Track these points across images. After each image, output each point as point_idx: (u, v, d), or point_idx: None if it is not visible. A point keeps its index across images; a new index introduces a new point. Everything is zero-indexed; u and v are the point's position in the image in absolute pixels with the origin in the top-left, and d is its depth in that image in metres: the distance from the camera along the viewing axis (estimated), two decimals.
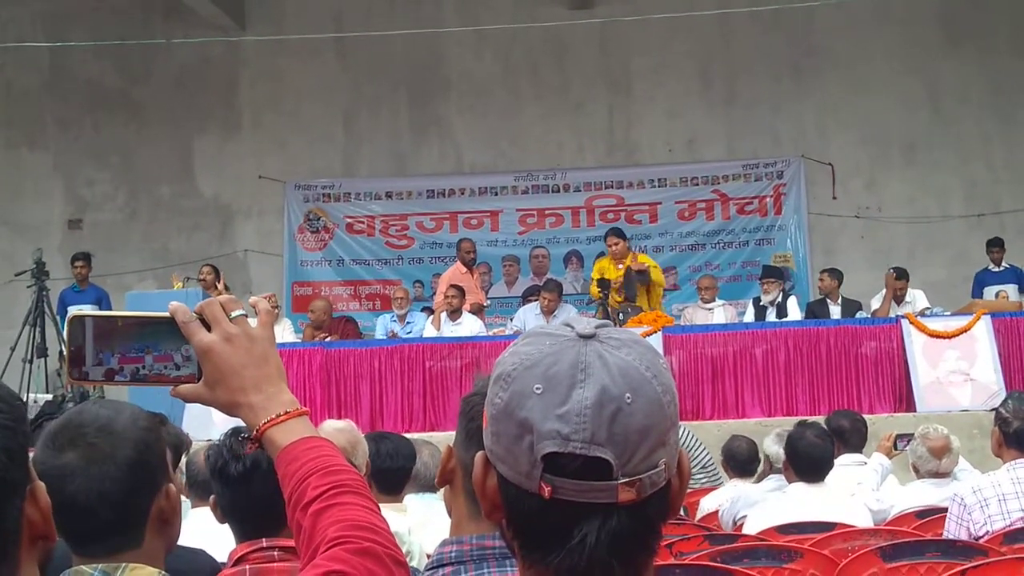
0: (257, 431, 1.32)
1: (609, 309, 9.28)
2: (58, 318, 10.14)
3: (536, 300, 10.24)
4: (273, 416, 1.31)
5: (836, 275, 10.25)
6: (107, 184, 13.85)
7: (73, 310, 2.37)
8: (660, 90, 13.37)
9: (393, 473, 3.40)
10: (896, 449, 5.45)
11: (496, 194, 13.60)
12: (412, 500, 3.56)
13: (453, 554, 1.40)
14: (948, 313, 9.30)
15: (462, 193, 13.65)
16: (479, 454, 0.99)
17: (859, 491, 4.81)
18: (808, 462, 4.34)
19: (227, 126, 13.78)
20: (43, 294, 10.16)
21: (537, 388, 0.93)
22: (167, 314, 1.31)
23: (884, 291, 9.92)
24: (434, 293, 11.39)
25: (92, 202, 13.85)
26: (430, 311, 10.61)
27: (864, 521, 4.31)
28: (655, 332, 8.71)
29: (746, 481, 5.47)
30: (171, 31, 13.20)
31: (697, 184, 13.37)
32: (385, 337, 9.94)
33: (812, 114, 13.19)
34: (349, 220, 13.67)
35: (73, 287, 11.32)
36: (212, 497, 2.21)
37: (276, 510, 1.50)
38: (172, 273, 11.04)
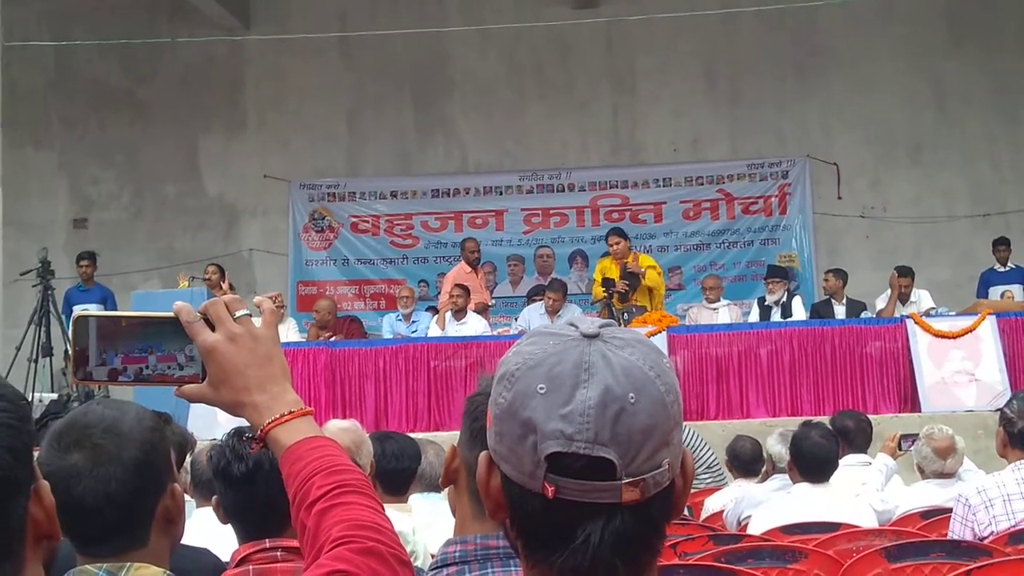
0: (261, 431, 1.32)
1: (613, 309, 9.26)
2: (63, 317, 10.12)
3: (541, 300, 10.23)
4: (277, 416, 1.31)
5: (841, 275, 10.24)
6: (112, 183, 13.87)
7: (78, 310, 2.36)
8: (665, 90, 13.35)
9: (398, 473, 3.40)
10: (901, 449, 5.44)
11: (501, 194, 13.59)
12: (417, 500, 3.55)
13: (457, 554, 1.40)
14: (953, 313, 9.29)
15: (467, 193, 13.65)
16: (483, 454, 0.99)
17: (864, 491, 4.80)
18: (812, 462, 4.33)
19: (232, 125, 13.79)
20: (48, 293, 10.18)
21: (541, 388, 0.93)
22: (171, 314, 1.31)
23: (889, 291, 9.90)
24: (439, 293, 11.40)
25: (97, 201, 13.87)
26: (435, 311, 10.61)
27: (869, 521, 4.30)
28: (659, 332, 8.69)
29: (750, 481, 5.47)
30: (176, 30, 13.21)
31: (702, 184, 13.36)
32: (393, 337, 9.95)
33: (817, 114, 13.17)
34: (354, 219, 13.67)
35: (78, 286, 11.31)
36: (215, 497, 2.20)
37: (279, 510, 1.50)
38: (177, 272, 11.07)
